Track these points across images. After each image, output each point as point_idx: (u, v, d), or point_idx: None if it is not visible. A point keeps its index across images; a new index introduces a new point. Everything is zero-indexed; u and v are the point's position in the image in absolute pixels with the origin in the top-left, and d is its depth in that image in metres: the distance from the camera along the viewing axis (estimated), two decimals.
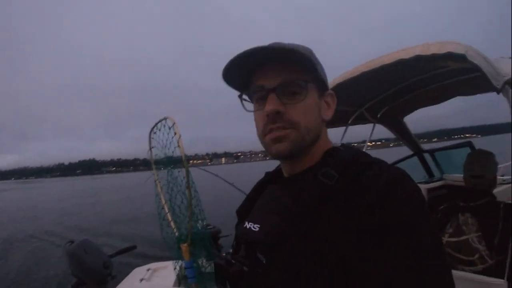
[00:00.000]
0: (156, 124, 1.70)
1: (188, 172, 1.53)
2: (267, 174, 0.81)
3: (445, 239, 2.65)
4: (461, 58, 1.40)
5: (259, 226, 0.65)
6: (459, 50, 1.42)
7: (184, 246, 1.69)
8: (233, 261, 0.63)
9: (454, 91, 2.54)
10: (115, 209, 17.40)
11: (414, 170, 3.45)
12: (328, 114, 0.70)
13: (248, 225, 0.68)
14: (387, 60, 1.70)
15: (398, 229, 0.49)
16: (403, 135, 3.47)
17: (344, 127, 3.07)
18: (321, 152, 0.67)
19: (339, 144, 0.70)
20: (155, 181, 1.77)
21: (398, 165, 3.62)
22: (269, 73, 0.64)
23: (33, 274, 7.05)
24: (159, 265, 2.38)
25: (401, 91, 2.55)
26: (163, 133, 1.66)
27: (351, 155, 0.62)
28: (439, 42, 1.52)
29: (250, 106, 0.71)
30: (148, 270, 2.39)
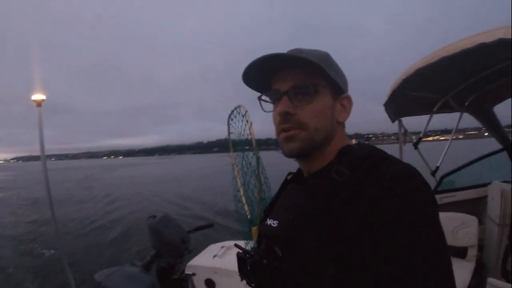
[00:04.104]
0: (232, 111, 1.77)
1: (258, 159, 1.58)
2: (289, 174, 0.84)
3: None
4: None
5: (277, 222, 0.70)
6: None
7: (254, 229, 1.75)
8: (252, 254, 0.67)
9: None
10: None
11: (502, 167, 3.08)
12: (344, 116, 0.72)
13: (269, 221, 0.72)
14: (467, 44, 1.52)
15: (395, 226, 0.49)
16: (492, 126, 3.10)
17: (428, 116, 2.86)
18: (336, 151, 0.68)
19: (356, 142, 0.72)
20: (232, 165, 1.84)
21: (483, 161, 3.27)
22: (283, 77, 0.68)
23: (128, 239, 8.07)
24: (233, 244, 2.49)
25: (489, 78, 2.23)
26: (239, 120, 1.73)
27: (364, 153, 0.63)
28: None
29: (269, 107, 0.75)
30: (222, 247, 2.46)
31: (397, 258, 0.47)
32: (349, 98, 0.73)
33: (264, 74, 0.70)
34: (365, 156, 0.62)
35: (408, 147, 3.08)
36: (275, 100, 0.71)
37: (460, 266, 2.45)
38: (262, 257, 0.65)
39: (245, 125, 1.69)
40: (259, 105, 0.77)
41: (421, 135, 2.95)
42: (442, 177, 3.07)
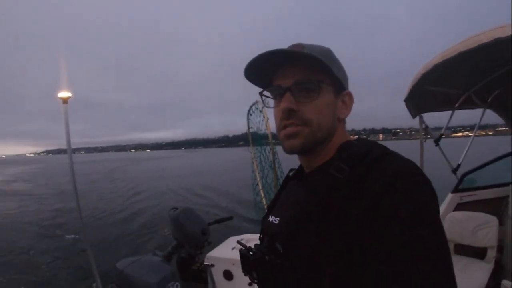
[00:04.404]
0: (251, 107, 1.80)
1: (274, 153, 1.60)
2: (291, 170, 0.83)
3: None
4: None
5: (278, 219, 0.70)
6: None
7: None
8: (255, 251, 0.67)
9: None
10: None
11: None
12: (345, 113, 0.71)
13: (270, 218, 0.72)
14: (483, 39, 1.47)
15: (396, 223, 0.49)
16: None
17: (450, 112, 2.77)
18: (336, 147, 0.68)
19: (356, 138, 0.71)
20: (252, 159, 1.86)
21: (506, 159, 3.14)
22: (286, 73, 0.66)
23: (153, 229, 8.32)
24: (252, 237, 2.51)
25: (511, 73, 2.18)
26: (257, 116, 1.76)
27: (364, 149, 0.63)
28: None
29: (271, 103, 0.72)
30: (241, 240, 2.52)
31: (398, 255, 0.47)
32: (350, 95, 0.73)
33: (267, 70, 0.68)
34: (366, 151, 0.61)
35: (430, 143, 3.00)
36: (277, 96, 0.69)
37: (479, 267, 2.38)
38: (264, 254, 0.65)
39: (262, 120, 1.72)
40: (261, 101, 0.75)
41: (442, 131, 2.87)
42: (464, 175, 2.98)
